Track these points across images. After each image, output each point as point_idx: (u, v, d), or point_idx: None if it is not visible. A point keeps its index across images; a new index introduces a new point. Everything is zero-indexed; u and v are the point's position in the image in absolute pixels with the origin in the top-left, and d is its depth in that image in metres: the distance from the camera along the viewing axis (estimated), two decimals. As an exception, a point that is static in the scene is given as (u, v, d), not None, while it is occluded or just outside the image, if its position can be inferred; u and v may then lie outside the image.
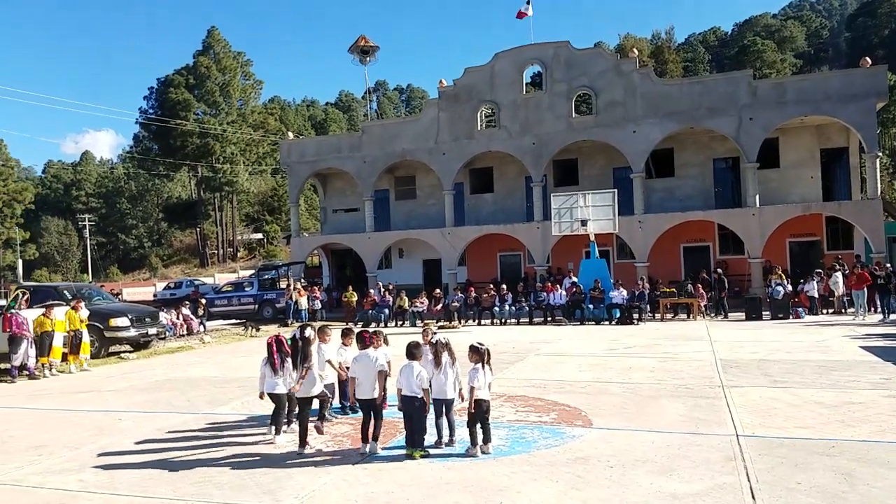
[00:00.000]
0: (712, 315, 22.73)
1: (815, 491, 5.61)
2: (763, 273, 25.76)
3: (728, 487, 5.75)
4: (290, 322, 25.77)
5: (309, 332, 7.58)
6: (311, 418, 7.53)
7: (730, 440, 7.20)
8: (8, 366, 14.19)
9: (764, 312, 21.58)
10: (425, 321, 22.23)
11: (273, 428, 7.97)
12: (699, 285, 23.15)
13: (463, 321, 23.82)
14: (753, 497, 5.52)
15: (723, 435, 7.41)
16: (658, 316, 22.76)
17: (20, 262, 70.88)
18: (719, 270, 24.37)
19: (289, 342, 8.02)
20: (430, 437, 7.32)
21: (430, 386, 7.24)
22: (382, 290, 26.31)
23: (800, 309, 21.57)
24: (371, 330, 8.86)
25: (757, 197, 26.41)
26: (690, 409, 8.72)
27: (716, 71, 78.60)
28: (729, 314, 22.58)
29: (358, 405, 7.20)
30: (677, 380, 10.90)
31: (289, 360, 7.87)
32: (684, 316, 22.66)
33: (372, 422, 7.13)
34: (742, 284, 26.61)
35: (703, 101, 26.92)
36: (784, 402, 9.04)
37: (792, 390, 9.76)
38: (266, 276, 32.11)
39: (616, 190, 24.88)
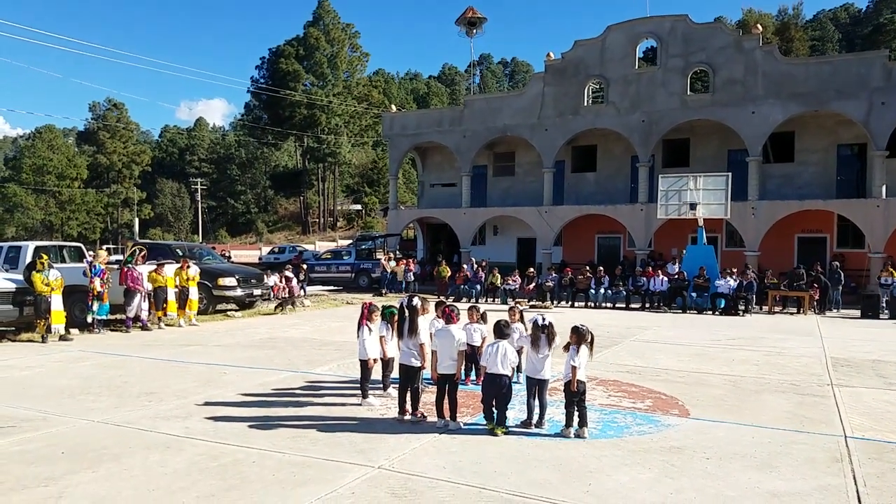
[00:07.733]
0: (819, 310, 21.44)
1: (930, 501, 5.22)
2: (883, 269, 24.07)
3: (832, 489, 5.42)
4: (384, 292, 26.35)
5: (416, 301, 7.44)
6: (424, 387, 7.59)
7: (837, 441, 6.79)
8: (123, 317, 15.14)
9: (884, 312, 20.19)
10: (517, 299, 22.19)
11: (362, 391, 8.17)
12: (807, 278, 21.87)
13: (556, 302, 23.57)
14: (860, 501, 5.19)
15: (829, 435, 7.00)
16: (766, 308, 21.73)
17: (136, 220, 75.95)
18: (836, 263, 22.95)
19: (383, 310, 8.14)
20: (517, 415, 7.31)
21: (523, 365, 7.17)
22: (475, 265, 26.40)
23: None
24: (469, 305, 8.80)
25: (884, 188, 24.62)
26: (795, 406, 8.28)
27: (846, 51, 73.33)
28: (843, 310, 21.27)
29: (435, 379, 7.19)
30: (783, 375, 10.37)
31: (364, 328, 8.07)
32: (794, 309, 21.54)
33: (447, 399, 7.08)
34: (860, 280, 24.98)
35: (830, 82, 25.17)
36: (901, 406, 8.44)
37: (910, 394, 9.10)
38: (363, 247, 32.95)
39: (730, 173, 23.73)
